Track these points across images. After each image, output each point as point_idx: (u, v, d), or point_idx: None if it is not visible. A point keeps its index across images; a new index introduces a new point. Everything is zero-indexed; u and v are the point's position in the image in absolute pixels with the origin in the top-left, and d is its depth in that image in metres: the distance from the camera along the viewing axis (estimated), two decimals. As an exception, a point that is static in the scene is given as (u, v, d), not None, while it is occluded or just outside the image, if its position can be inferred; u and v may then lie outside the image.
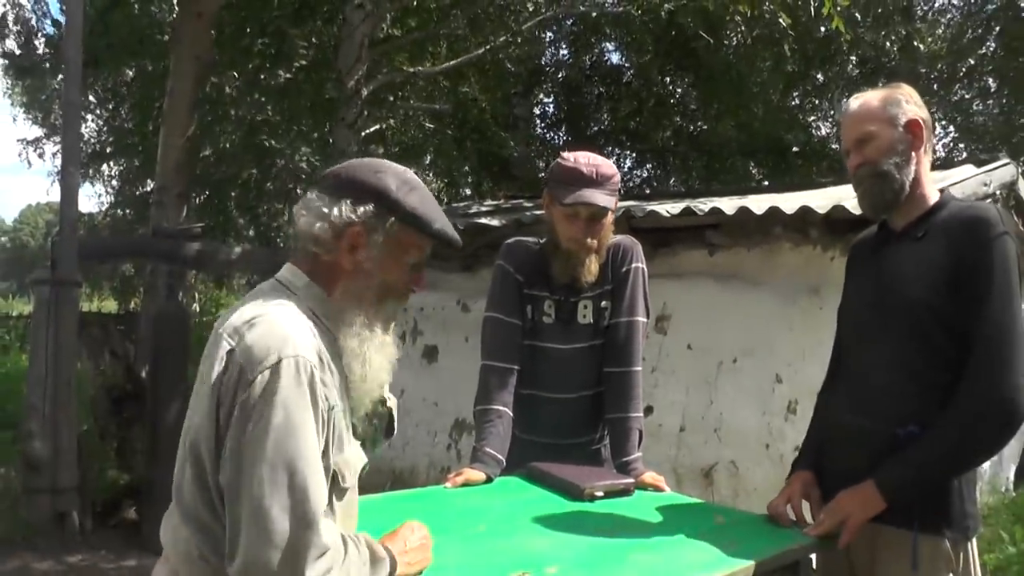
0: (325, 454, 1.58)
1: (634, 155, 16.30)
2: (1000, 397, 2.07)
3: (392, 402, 2.01)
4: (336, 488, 1.65)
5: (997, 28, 13.76)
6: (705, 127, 14.81)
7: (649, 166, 16.41)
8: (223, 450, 1.52)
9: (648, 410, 5.87)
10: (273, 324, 1.56)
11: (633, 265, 2.93)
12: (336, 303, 1.72)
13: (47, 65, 12.90)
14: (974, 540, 2.25)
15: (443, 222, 1.75)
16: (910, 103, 2.30)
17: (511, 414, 2.82)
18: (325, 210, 1.69)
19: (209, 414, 1.55)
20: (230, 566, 1.48)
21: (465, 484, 2.59)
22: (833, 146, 15.10)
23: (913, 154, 2.28)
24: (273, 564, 1.44)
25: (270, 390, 1.48)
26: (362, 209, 1.69)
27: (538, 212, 5.09)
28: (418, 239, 1.74)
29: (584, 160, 2.80)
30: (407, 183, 1.74)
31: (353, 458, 1.73)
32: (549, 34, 15.14)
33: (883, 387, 2.26)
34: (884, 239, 2.40)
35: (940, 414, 2.13)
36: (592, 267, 2.86)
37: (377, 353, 1.72)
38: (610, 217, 2.86)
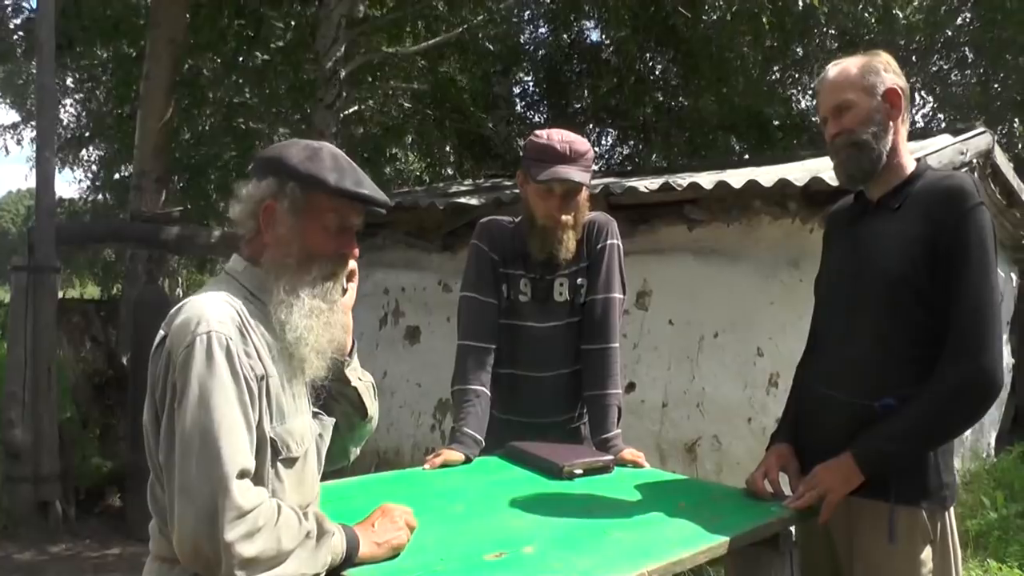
0: (260, 424, 1.63)
1: (615, 132, 16.23)
2: (978, 370, 2.07)
3: (361, 384, 2.00)
4: (281, 458, 1.69)
5: (972, -1, 13.77)
6: (686, 103, 14.74)
7: (631, 143, 16.34)
8: (160, 430, 1.59)
9: (630, 386, 5.88)
10: (193, 307, 1.62)
11: (608, 242, 2.92)
12: (263, 275, 1.76)
13: (20, 49, 12.73)
14: (952, 510, 2.25)
15: (355, 182, 1.75)
16: (888, 71, 2.27)
17: (489, 394, 2.81)
18: (242, 193, 1.77)
19: (149, 398, 1.63)
20: (173, 540, 1.54)
21: (444, 465, 2.59)
22: (813, 118, 15.08)
23: (891, 123, 2.26)
24: (196, 531, 1.49)
25: (185, 367, 1.56)
26: (265, 183, 1.74)
27: (518, 191, 5.10)
28: (329, 202, 1.74)
29: (557, 137, 2.79)
30: (310, 150, 1.77)
31: (299, 428, 1.75)
32: (527, 12, 15.07)
33: (859, 360, 2.25)
34: (860, 210, 2.38)
35: (918, 387, 2.13)
36: (569, 244, 2.85)
37: (306, 318, 1.72)
38: (585, 193, 2.85)
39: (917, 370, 2.15)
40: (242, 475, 1.53)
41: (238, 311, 1.66)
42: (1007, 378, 8.21)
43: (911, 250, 2.16)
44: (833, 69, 2.32)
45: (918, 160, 2.34)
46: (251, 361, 1.63)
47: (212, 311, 1.61)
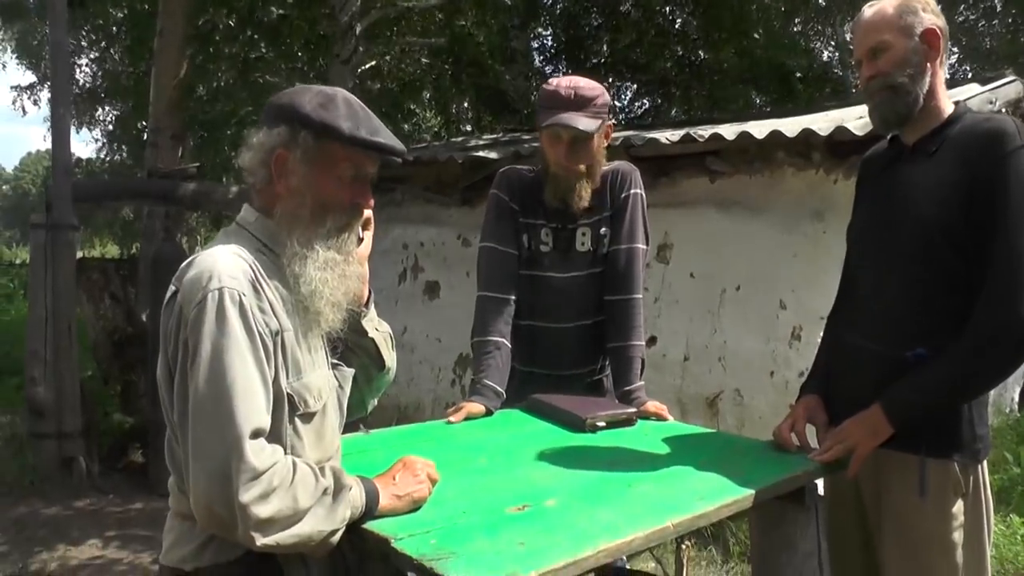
0: (276, 380, 1.60)
1: (635, 86, 16.11)
2: (1016, 319, 1.99)
3: (378, 335, 1.96)
4: (299, 414, 1.67)
5: (1002, -53, 13.52)
6: (706, 56, 14.60)
7: (650, 97, 16.22)
8: (173, 388, 1.56)
9: (652, 340, 5.85)
10: (204, 262, 1.58)
11: (632, 191, 2.86)
12: (275, 227, 1.71)
13: (34, 9, 12.70)
14: (984, 463, 2.20)
15: (370, 130, 1.70)
16: (927, 11, 2.18)
17: (509, 345, 2.78)
18: (253, 141, 1.71)
19: (162, 354, 1.60)
20: (190, 500, 1.51)
21: (466, 418, 2.56)
22: (836, 70, 14.91)
23: (928, 65, 2.17)
24: (210, 493, 1.47)
25: (197, 325, 1.52)
26: (277, 131, 1.69)
27: (536, 144, 5.04)
28: (343, 151, 1.69)
29: (565, 83, 2.73)
30: (323, 97, 1.71)
31: (316, 382, 1.73)
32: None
33: (892, 309, 2.19)
34: (896, 155, 2.31)
35: (951, 338, 2.06)
36: (584, 192, 2.80)
37: (321, 271, 1.68)
38: (597, 141, 2.78)
39: (952, 319, 2.08)
40: (256, 435, 1.50)
41: (250, 264, 1.61)
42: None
43: (947, 195, 2.08)
44: (869, 9, 2.23)
45: (956, 103, 2.26)
46: (265, 316, 1.59)
47: (224, 265, 1.56)
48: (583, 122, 2.69)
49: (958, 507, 2.14)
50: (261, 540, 1.47)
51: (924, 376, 2.08)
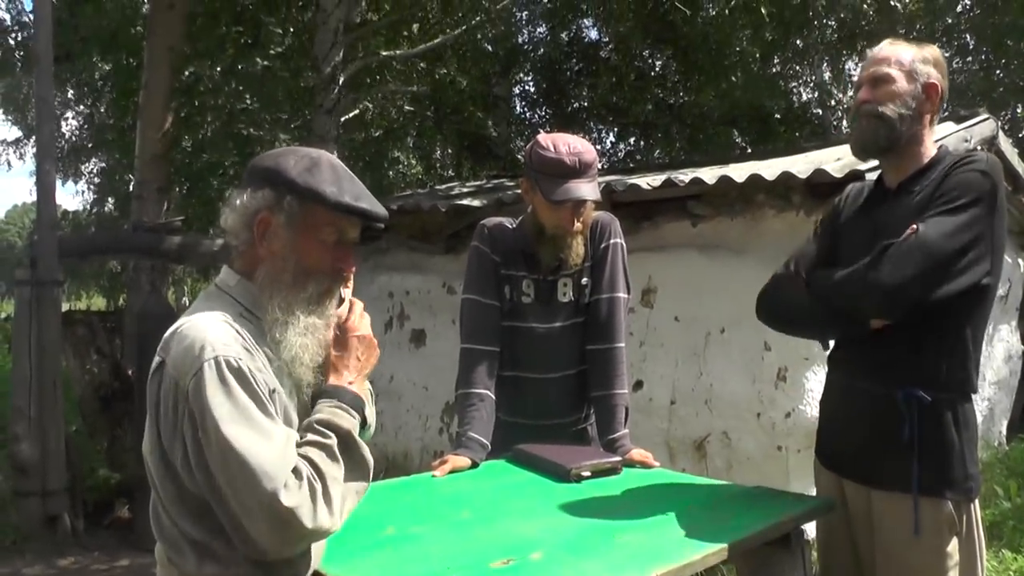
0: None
1: (616, 129, 16.21)
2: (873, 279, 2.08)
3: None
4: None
5: (972, -15, 13.73)
6: (686, 98, 14.73)
7: (632, 140, 16.33)
8: (188, 461, 1.55)
9: (638, 384, 5.85)
10: (192, 332, 1.58)
11: (612, 241, 2.89)
12: (256, 291, 1.72)
13: (20, 64, 12.74)
14: (976, 502, 2.22)
15: (354, 196, 1.70)
16: (937, 67, 2.26)
17: (493, 397, 2.79)
18: (236, 202, 1.72)
19: (151, 426, 1.60)
20: (253, 555, 1.56)
21: (452, 471, 2.56)
22: (816, 110, 15.06)
23: (922, 116, 2.24)
24: (284, 539, 1.52)
25: (199, 395, 1.52)
26: (261, 194, 1.69)
27: (519, 191, 5.06)
28: (328, 216, 1.70)
29: (565, 149, 2.71)
30: (308, 161, 1.72)
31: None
32: (524, 13, 15.08)
33: (884, 348, 2.22)
34: (880, 196, 2.36)
35: (941, 375, 2.13)
36: (579, 249, 2.84)
37: (300, 336, 1.69)
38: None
39: (940, 359, 2.13)
40: (287, 484, 1.51)
41: (236, 330, 1.62)
42: (1016, 366, 8.16)
43: None
44: (887, 44, 2.31)
45: (939, 146, 2.31)
46: (263, 375, 1.60)
47: (214, 334, 1.57)
48: (591, 191, 2.73)
49: (953, 545, 2.15)
50: (341, 521, 1.58)
51: None
